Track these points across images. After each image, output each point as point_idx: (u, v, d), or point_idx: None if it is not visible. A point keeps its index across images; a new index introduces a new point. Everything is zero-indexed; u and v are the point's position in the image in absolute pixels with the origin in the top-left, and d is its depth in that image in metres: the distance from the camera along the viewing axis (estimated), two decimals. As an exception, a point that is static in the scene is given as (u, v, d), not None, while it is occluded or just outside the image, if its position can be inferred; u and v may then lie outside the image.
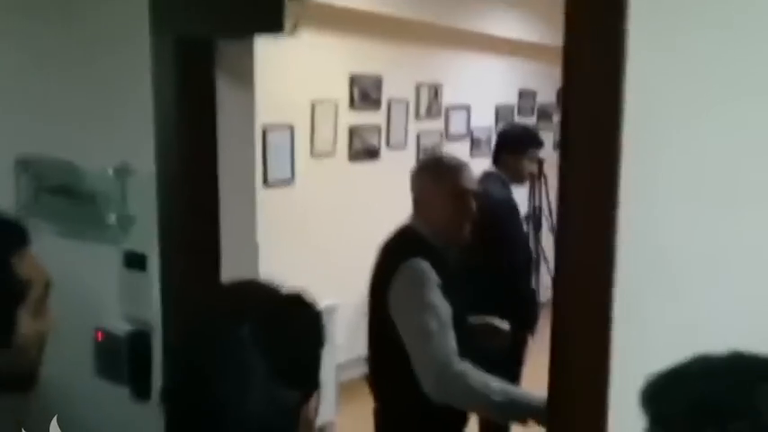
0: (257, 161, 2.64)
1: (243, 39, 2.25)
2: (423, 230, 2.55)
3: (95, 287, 2.38)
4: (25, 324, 1.33)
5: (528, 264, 4.09)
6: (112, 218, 2.22)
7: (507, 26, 6.40)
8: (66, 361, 2.43)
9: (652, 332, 1.40)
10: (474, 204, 2.58)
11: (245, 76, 2.38)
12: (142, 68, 2.17)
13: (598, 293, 1.49)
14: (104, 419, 2.38)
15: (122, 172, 2.20)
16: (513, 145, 3.93)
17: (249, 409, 1.07)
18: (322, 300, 4.60)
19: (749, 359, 0.98)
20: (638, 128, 1.40)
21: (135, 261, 2.27)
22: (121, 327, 2.31)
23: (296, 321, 1.16)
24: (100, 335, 2.35)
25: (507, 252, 3.66)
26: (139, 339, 2.29)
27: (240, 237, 2.39)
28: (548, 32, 6.91)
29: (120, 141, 2.26)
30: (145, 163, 2.21)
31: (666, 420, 0.96)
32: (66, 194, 2.30)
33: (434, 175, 2.61)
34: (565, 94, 1.57)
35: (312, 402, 1.15)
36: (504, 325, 2.84)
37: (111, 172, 2.20)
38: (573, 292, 1.55)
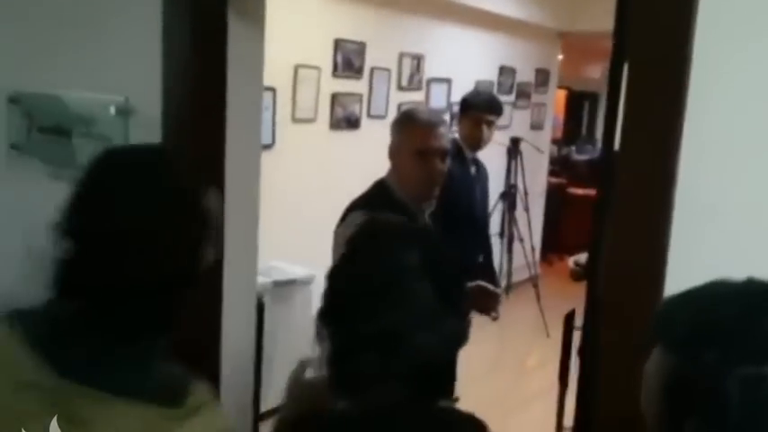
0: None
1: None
2: (393, 185, 2.53)
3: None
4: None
5: (483, 240, 3.99)
6: (112, 161, 2.03)
7: (493, 1, 6.30)
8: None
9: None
10: (443, 165, 2.50)
11: (257, 19, 2.22)
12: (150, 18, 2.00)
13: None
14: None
15: (125, 111, 2.03)
16: (470, 109, 3.88)
17: (418, 334, 1.10)
18: (296, 268, 4.45)
19: (762, 285, 0.95)
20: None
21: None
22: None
23: (448, 255, 1.23)
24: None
25: (461, 226, 3.50)
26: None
27: (244, 196, 2.25)
28: (530, 10, 6.84)
29: (123, 79, 2.09)
30: (149, 104, 2.04)
31: (673, 342, 0.94)
32: (61, 134, 2.12)
33: (405, 128, 2.57)
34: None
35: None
36: (497, 289, 2.88)
37: (112, 110, 2.02)
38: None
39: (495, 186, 6.69)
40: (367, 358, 1.12)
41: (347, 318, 1.15)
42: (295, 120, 5.04)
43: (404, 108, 3.59)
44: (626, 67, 1.55)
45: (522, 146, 6.87)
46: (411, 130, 2.52)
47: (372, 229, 1.29)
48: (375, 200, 2.46)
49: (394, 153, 2.57)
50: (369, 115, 5.63)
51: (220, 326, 2.18)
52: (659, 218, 1.44)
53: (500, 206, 6.76)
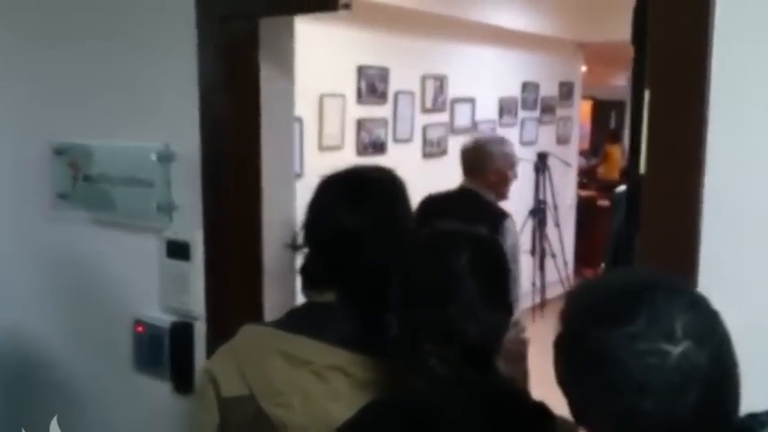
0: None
1: (290, 15, 2.18)
2: (478, 190, 3.62)
3: (134, 278, 2.29)
4: None
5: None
6: (154, 205, 2.12)
7: (511, 17, 6.36)
8: (105, 355, 2.36)
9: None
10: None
11: (286, 59, 2.30)
12: (186, 48, 2.09)
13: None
14: (145, 414, 2.29)
15: (166, 156, 2.11)
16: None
17: (471, 329, 1.31)
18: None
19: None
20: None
21: (178, 250, 2.18)
22: (163, 318, 2.22)
23: (498, 253, 1.44)
24: (140, 326, 2.26)
25: None
26: (182, 331, 2.20)
27: (281, 226, 2.31)
28: (550, 24, 6.88)
29: (162, 125, 2.18)
30: (188, 147, 2.13)
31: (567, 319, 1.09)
32: (104, 181, 2.21)
33: (501, 149, 3.71)
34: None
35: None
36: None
37: (153, 156, 2.10)
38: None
39: (525, 203, 6.74)
40: (425, 344, 1.32)
41: (413, 309, 1.36)
42: (322, 148, 5.12)
43: (477, 138, 3.95)
44: (646, 93, 1.60)
45: (550, 160, 6.90)
46: (508, 149, 3.73)
47: (433, 234, 1.47)
48: (465, 200, 3.53)
49: (488, 166, 3.63)
50: (395, 139, 5.70)
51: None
52: (687, 237, 1.47)
53: (530, 223, 6.77)
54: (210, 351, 2.18)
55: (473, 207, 3.42)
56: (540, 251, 6.88)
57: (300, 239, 1.61)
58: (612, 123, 12.25)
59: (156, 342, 2.22)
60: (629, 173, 1.69)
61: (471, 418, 1.30)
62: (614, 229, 4.21)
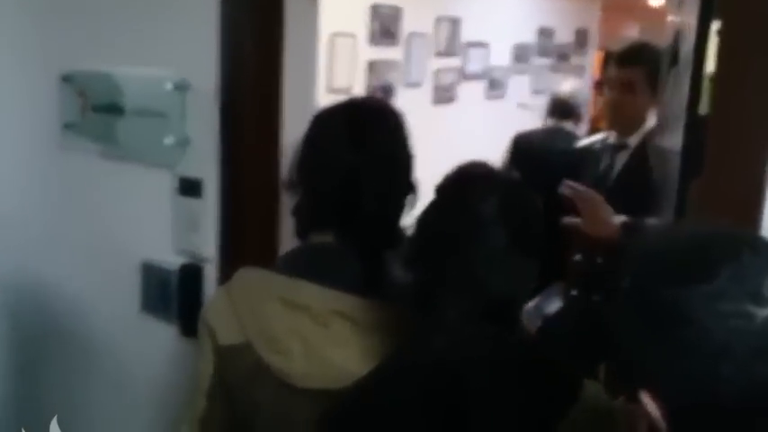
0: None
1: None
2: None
3: (143, 215, 2.18)
4: None
5: None
6: (168, 139, 1.99)
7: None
8: (111, 295, 2.26)
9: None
10: None
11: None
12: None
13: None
14: (151, 356, 2.20)
15: (181, 86, 1.98)
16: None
17: (496, 280, 1.24)
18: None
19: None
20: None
21: (190, 187, 2.06)
22: (172, 259, 2.11)
23: (530, 200, 1.34)
24: (148, 267, 2.15)
25: None
26: (191, 273, 2.10)
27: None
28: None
29: (178, 54, 2.03)
30: (204, 78, 1.99)
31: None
32: (115, 111, 2.07)
33: None
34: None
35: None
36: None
37: (168, 86, 1.97)
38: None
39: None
40: (445, 296, 1.25)
41: (428, 263, 1.29)
42: (331, 89, 4.97)
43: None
44: (714, 24, 1.47)
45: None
46: None
47: (458, 177, 1.36)
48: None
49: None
50: (405, 83, 5.54)
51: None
52: (753, 187, 1.37)
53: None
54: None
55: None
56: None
57: (294, 177, 1.53)
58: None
59: (164, 284, 2.12)
60: (689, 114, 1.57)
61: (495, 378, 1.21)
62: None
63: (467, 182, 1.35)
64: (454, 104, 5.98)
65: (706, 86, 1.50)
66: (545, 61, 6.95)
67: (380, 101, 1.56)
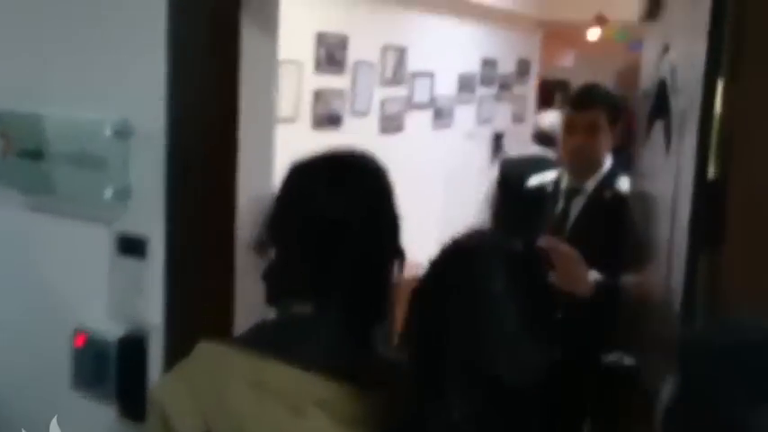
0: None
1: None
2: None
3: (77, 278, 1.90)
4: None
5: None
6: (109, 190, 1.73)
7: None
8: (40, 370, 1.97)
9: None
10: None
11: (271, 21, 1.92)
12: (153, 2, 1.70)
13: None
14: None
15: (123, 131, 1.72)
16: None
17: (507, 363, 1.10)
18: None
19: None
20: None
21: (132, 245, 1.80)
22: (110, 329, 1.84)
23: (537, 275, 1.22)
24: (81, 338, 1.87)
25: None
26: (133, 345, 1.83)
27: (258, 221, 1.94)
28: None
29: (120, 94, 1.78)
30: (150, 121, 1.74)
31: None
32: (44, 158, 1.80)
33: None
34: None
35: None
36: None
37: (108, 131, 1.71)
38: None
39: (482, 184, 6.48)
40: (449, 386, 1.12)
41: (428, 345, 1.16)
42: (275, 120, 4.73)
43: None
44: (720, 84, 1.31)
45: (507, 140, 6.67)
46: None
47: (457, 250, 1.22)
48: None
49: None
50: (352, 112, 5.34)
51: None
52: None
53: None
54: (168, 370, 1.82)
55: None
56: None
57: (265, 236, 1.34)
58: (556, 104, 12.13)
59: (101, 357, 1.84)
60: (697, 176, 1.39)
61: None
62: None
63: (468, 256, 1.20)
64: (401, 134, 5.80)
65: (714, 148, 1.34)
66: (489, 91, 6.85)
67: (364, 154, 1.35)
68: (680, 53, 1.52)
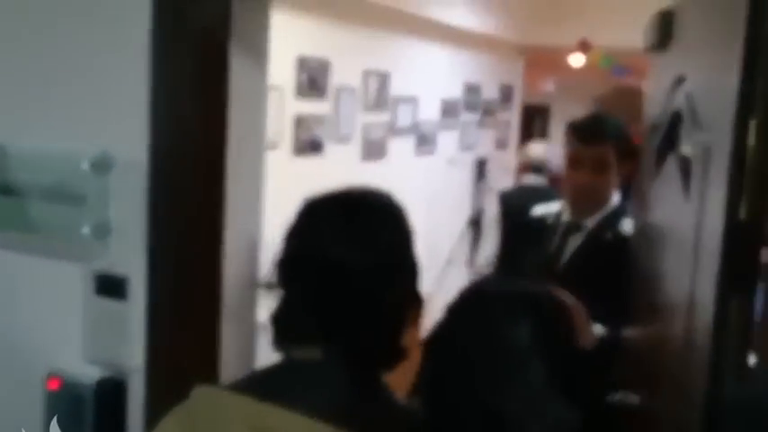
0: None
1: None
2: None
3: (52, 319, 1.78)
4: None
5: None
6: (87, 227, 1.62)
7: (456, 14, 6.02)
8: (9, 417, 1.84)
9: None
10: None
11: (261, 50, 1.84)
12: (136, 29, 1.61)
13: None
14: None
15: (102, 164, 1.61)
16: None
17: (524, 422, 1.01)
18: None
19: None
20: None
21: (111, 286, 1.69)
22: (87, 372, 1.72)
23: (567, 320, 1.20)
24: (55, 381, 1.75)
25: None
26: (112, 389, 1.72)
27: (245, 258, 1.83)
28: (496, 24, 6.57)
29: (99, 124, 1.68)
30: (132, 154, 1.64)
31: None
32: (18, 193, 1.68)
33: None
34: None
35: None
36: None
37: (86, 164, 1.60)
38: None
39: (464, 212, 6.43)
40: None
41: (447, 395, 1.10)
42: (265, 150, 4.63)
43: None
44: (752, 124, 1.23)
45: (490, 166, 6.61)
46: None
47: (478, 295, 1.20)
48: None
49: None
50: (334, 138, 5.25)
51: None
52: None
53: (468, 233, 6.45)
54: (150, 416, 1.71)
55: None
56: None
57: (274, 277, 1.24)
58: (536, 128, 12.15)
59: (77, 403, 1.72)
60: (729, 219, 1.31)
61: None
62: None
63: (491, 303, 1.16)
64: (383, 160, 5.72)
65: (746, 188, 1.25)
66: (472, 116, 6.80)
67: (382, 193, 1.26)
68: (700, 85, 1.45)
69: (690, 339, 1.37)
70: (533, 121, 12.08)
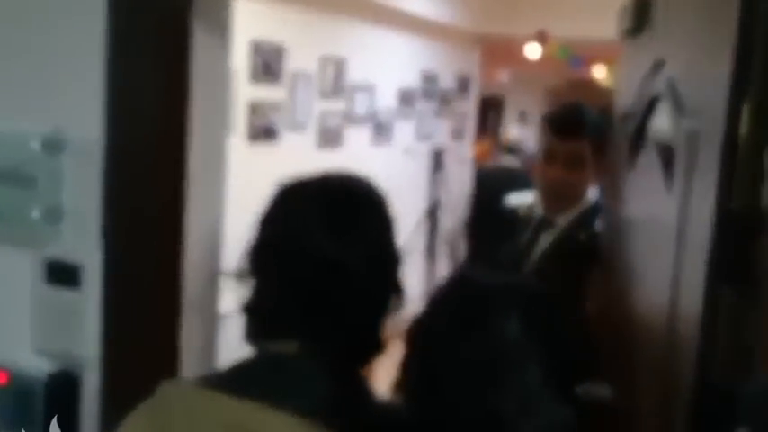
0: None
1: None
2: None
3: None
4: None
5: None
6: (37, 211, 1.51)
7: (414, 1, 5.95)
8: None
9: None
10: None
11: (224, 24, 1.75)
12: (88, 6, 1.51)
13: None
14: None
15: (54, 145, 1.51)
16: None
17: (520, 424, 0.97)
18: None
19: None
20: None
21: (64, 273, 1.59)
22: (38, 365, 1.62)
23: (562, 315, 1.11)
24: (2, 375, 1.64)
25: None
26: (64, 383, 1.62)
27: (207, 245, 1.75)
28: (453, 12, 6.53)
29: (50, 102, 1.58)
30: (86, 133, 1.54)
31: None
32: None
33: None
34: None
35: None
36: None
37: (36, 144, 1.50)
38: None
39: (421, 202, 6.39)
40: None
41: (441, 394, 1.04)
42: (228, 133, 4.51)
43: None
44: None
45: (446, 157, 6.59)
46: None
47: (466, 286, 1.12)
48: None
49: None
50: (289, 125, 5.14)
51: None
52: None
53: (425, 223, 6.42)
54: (105, 411, 1.62)
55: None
56: (434, 252, 6.54)
57: (246, 265, 1.17)
58: (490, 120, 12.17)
59: (26, 397, 1.62)
60: (719, 208, 1.26)
61: None
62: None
63: (482, 293, 1.09)
64: (340, 149, 5.64)
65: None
66: (429, 106, 6.75)
67: (361, 179, 1.19)
68: (684, 69, 1.40)
69: (671, 327, 1.33)
70: (488, 114, 12.11)
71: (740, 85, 1.16)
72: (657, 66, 1.57)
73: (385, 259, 1.17)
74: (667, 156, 1.44)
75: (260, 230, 1.17)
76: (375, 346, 1.16)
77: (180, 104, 1.59)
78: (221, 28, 1.73)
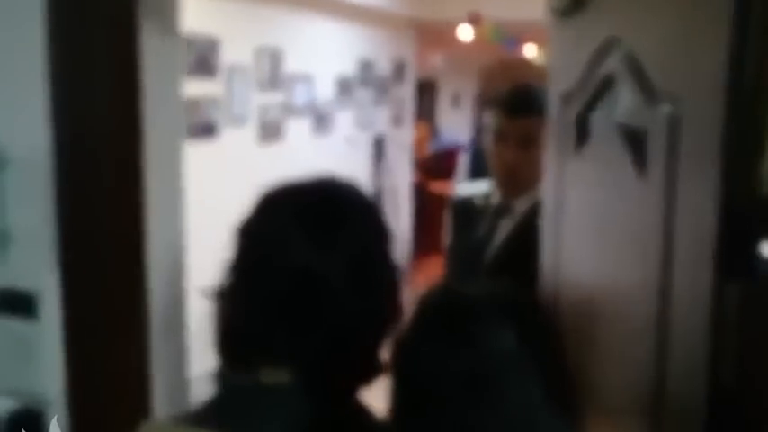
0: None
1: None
2: None
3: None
4: None
5: None
6: (-19, 238, 1.37)
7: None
8: None
9: None
10: None
11: (173, 18, 1.61)
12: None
13: None
14: None
15: (-3, 162, 1.37)
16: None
17: None
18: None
19: None
20: None
21: (16, 303, 1.44)
22: (-5, 404, 1.48)
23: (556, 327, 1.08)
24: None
25: None
26: (27, 421, 1.48)
27: (170, 260, 1.62)
28: (387, -2, 6.44)
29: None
30: (30, 146, 1.40)
31: None
32: None
33: None
34: None
35: None
36: None
37: (-23, 163, 1.35)
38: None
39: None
40: None
41: (426, 416, 0.98)
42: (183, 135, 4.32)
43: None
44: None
45: (387, 144, 6.50)
46: None
47: (453, 300, 1.05)
48: None
49: None
50: (228, 120, 4.97)
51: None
52: None
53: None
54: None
55: None
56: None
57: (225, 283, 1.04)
58: (425, 104, 12.12)
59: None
60: (727, 191, 1.19)
61: None
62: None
63: (469, 304, 1.02)
64: (281, 142, 5.49)
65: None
66: (367, 93, 6.63)
67: (352, 186, 1.07)
68: (652, 47, 1.31)
69: (662, 318, 1.26)
70: (422, 98, 12.05)
71: (738, 63, 1.08)
72: (609, 44, 1.48)
73: (375, 271, 1.05)
74: (637, 141, 1.35)
75: (241, 244, 1.06)
76: (372, 368, 1.05)
77: (131, 109, 1.45)
78: (170, 22, 1.60)
